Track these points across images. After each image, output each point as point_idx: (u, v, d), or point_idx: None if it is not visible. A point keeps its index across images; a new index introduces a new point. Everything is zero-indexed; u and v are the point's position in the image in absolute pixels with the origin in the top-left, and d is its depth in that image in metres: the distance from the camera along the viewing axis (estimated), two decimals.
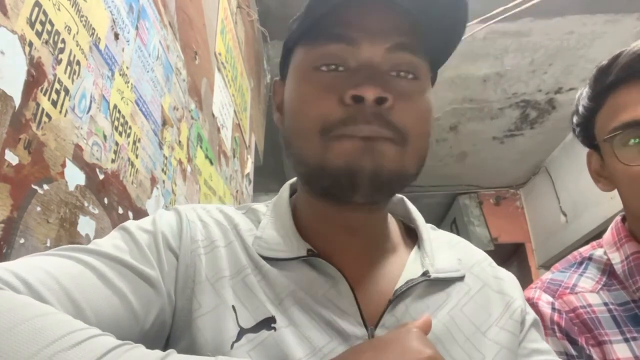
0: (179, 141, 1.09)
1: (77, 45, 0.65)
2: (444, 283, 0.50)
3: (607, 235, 0.75)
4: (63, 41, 0.61)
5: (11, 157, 0.51)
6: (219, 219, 0.51)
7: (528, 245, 4.04)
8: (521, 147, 3.53)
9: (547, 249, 3.76)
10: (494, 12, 2.00)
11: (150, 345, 0.32)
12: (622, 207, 0.71)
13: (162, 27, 0.99)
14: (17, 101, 0.52)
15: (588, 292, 0.70)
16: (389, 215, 0.56)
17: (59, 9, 0.60)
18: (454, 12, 0.47)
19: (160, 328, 0.43)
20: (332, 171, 0.44)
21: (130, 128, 0.82)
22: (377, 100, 0.43)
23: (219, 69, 1.50)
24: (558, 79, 2.77)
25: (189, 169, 1.16)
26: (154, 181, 0.93)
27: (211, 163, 1.39)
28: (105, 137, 0.73)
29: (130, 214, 0.81)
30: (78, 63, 0.65)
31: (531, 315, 0.54)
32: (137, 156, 0.84)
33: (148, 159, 0.90)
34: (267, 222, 0.51)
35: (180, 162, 1.10)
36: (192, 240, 0.48)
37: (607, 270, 0.72)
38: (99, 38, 0.71)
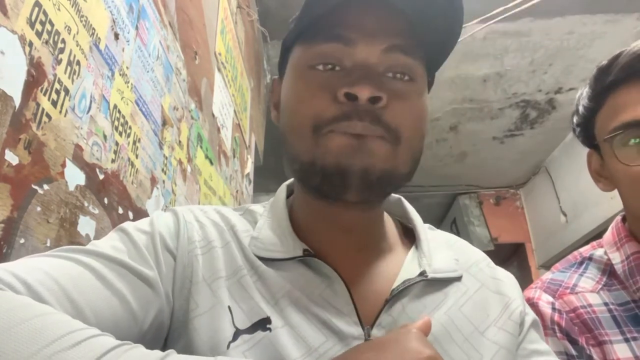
0: (179, 141, 1.09)
1: (77, 45, 0.65)
2: (442, 283, 0.50)
3: (608, 235, 0.75)
4: (63, 41, 0.61)
5: (11, 157, 0.51)
6: (216, 220, 0.52)
7: (528, 245, 4.04)
8: (521, 147, 3.53)
9: (547, 249, 3.76)
10: (494, 12, 2.01)
11: (148, 346, 0.32)
12: (622, 207, 0.71)
13: (162, 27, 0.99)
14: (17, 101, 0.52)
15: (588, 292, 0.70)
16: (387, 215, 0.56)
17: (59, 9, 0.60)
18: (450, 13, 0.47)
19: (159, 328, 0.44)
20: (322, 168, 0.44)
21: (130, 128, 0.82)
22: (370, 100, 0.43)
23: (219, 69, 1.50)
24: (558, 79, 2.77)
25: (189, 169, 1.16)
26: (154, 181, 0.93)
27: (211, 163, 1.39)
28: (105, 137, 0.73)
29: (130, 214, 0.81)
30: (78, 63, 0.65)
31: (530, 316, 0.53)
32: (137, 156, 0.84)
33: (148, 159, 0.90)
34: (264, 222, 0.52)
35: (180, 162, 1.10)
36: (189, 240, 0.48)
37: (608, 270, 0.72)
38: (99, 38, 0.71)
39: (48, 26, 0.58)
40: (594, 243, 0.78)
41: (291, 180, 0.58)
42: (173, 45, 1.06)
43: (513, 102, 2.99)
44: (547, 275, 0.76)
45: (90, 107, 0.68)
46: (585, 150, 0.77)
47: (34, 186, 0.55)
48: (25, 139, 0.53)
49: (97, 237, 0.66)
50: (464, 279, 0.52)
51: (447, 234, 0.60)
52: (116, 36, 0.77)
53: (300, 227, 0.51)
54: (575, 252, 0.79)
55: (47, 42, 0.58)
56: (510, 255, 4.33)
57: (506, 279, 0.56)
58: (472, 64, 2.63)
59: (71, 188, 0.63)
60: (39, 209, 0.56)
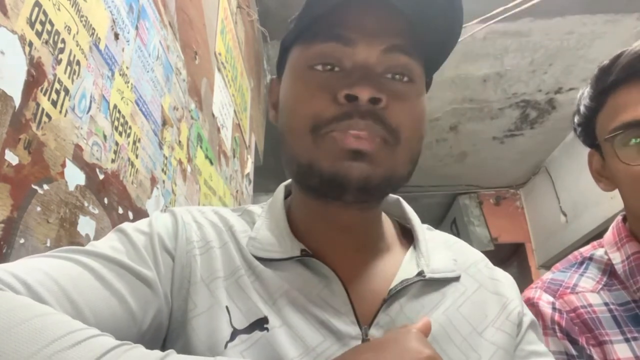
0: (179, 141, 1.09)
1: (77, 45, 0.65)
2: (440, 283, 0.50)
3: (608, 235, 0.75)
4: (63, 41, 0.61)
5: (11, 157, 0.51)
6: (214, 221, 0.52)
7: (528, 245, 4.04)
8: (521, 147, 3.53)
9: (547, 249, 3.76)
10: (494, 12, 2.01)
11: (147, 346, 0.32)
12: (622, 207, 0.71)
13: (162, 27, 0.99)
14: (17, 101, 0.52)
15: (589, 292, 0.70)
16: (385, 216, 0.56)
17: (59, 9, 0.60)
18: (449, 14, 0.47)
19: (158, 329, 0.44)
20: (320, 172, 0.44)
21: (130, 128, 0.82)
22: (371, 100, 0.43)
23: (219, 69, 1.50)
24: (558, 79, 2.77)
25: (189, 169, 1.16)
26: (154, 181, 0.93)
27: (211, 163, 1.39)
28: (105, 137, 0.73)
29: (130, 214, 0.81)
30: (78, 63, 0.65)
31: (528, 317, 0.53)
32: (137, 156, 0.84)
33: (148, 159, 0.90)
34: (262, 223, 0.52)
35: (180, 162, 1.10)
36: (187, 241, 0.48)
37: (608, 270, 0.72)
38: (99, 38, 0.71)
39: (48, 26, 0.58)
40: (595, 243, 0.78)
41: (289, 181, 0.58)
42: (173, 45, 1.06)
43: (513, 102, 2.99)
44: (548, 275, 0.76)
45: (90, 107, 0.68)
46: (585, 150, 0.78)
47: (34, 186, 0.55)
48: (25, 139, 0.53)
49: (97, 237, 0.66)
50: (462, 279, 0.52)
51: (446, 234, 0.60)
52: (116, 36, 0.77)
53: (298, 228, 0.51)
54: (576, 252, 0.79)
55: (47, 42, 0.58)
56: (510, 255, 4.33)
57: (504, 279, 0.56)
58: (472, 64, 2.63)
59: (71, 188, 0.63)
60: (39, 209, 0.56)
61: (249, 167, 2.10)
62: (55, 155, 0.59)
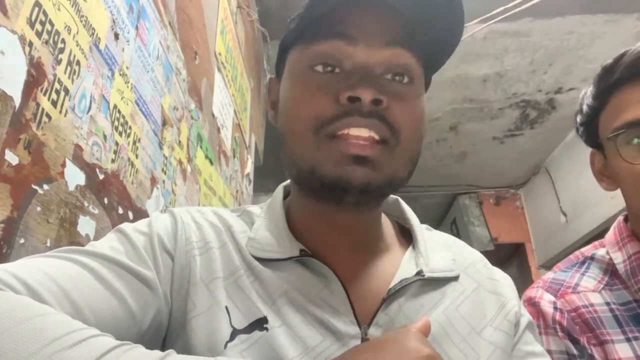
0: (179, 141, 1.09)
1: (77, 45, 0.65)
2: (439, 283, 0.50)
3: (610, 235, 0.75)
4: (63, 41, 0.61)
5: (11, 157, 0.51)
6: (213, 221, 0.52)
7: (528, 245, 4.04)
8: (521, 147, 3.53)
9: (547, 249, 3.76)
10: (494, 12, 2.01)
11: (147, 346, 0.32)
12: (622, 207, 0.71)
13: (162, 27, 0.99)
14: (17, 101, 0.52)
15: (590, 291, 0.70)
16: (384, 216, 0.56)
17: (59, 9, 0.60)
18: (450, 14, 0.47)
19: (157, 329, 0.44)
20: (322, 177, 0.44)
21: (130, 128, 0.82)
22: (373, 102, 0.44)
23: (219, 69, 1.50)
24: (558, 79, 2.77)
25: (189, 169, 1.16)
26: (154, 181, 0.93)
27: (211, 163, 1.39)
28: (105, 137, 0.73)
29: (130, 214, 0.81)
30: (78, 63, 0.65)
31: (526, 317, 0.54)
32: (137, 156, 0.84)
33: (148, 159, 0.90)
34: (261, 223, 0.52)
35: (180, 162, 1.10)
36: (187, 241, 0.48)
37: (609, 269, 0.72)
38: (99, 38, 0.71)
39: (48, 26, 0.58)
40: (596, 243, 0.78)
41: (288, 181, 0.58)
42: (173, 45, 1.06)
43: (513, 102, 2.99)
44: (549, 275, 0.76)
45: (90, 107, 0.68)
46: (585, 150, 0.78)
47: (34, 186, 0.55)
48: (25, 139, 0.53)
49: (97, 237, 0.66)
50: (461, 279, 0.52)
51: (445, 234, 0.60)
52: (116, 36, 0.77)
53: (297, 228, 0.51)
54: (577, 252, 0.79)
55: (47, 42, 0.58)
56: (510, 255, 4.33)
57: (503, 279, 0.56)
58: (472, 64, 2.63)
59: (71, 188, 0.63)
60: (39, 209, 0.56)
61: (249, 167, 2.10)
62: (55, 155, 0.59)
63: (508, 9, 1.98)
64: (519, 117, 3.16)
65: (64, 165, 0.61)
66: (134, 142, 0.83)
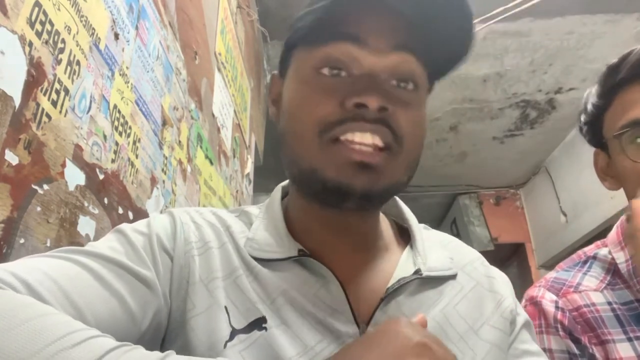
0: (179, 141, 1.09)
1: (77, 45, 0.65)
2: (437, 281, 0.50)
3: (612, 235, 0.75)
4: (63, 41, 0.61)
5: (11, 157, 0.51)
6: (212, 221, 0.52)
7: (528, 245, 4.04)
8: (521, 147, 3.53)
9: (547, 249, 3.76)
10: (494, 12, 2.01)
11: (147, 346, 0.32)
12: (622, 207, 0.71)
13: (162, 27, 0.99)
14: (17, 101, 0.52)
15: (592, 290, 0.70)
16: (382, 215, 0.56)
17: (59, 9, 0.60)
18: (457, 19, 0.46)
19: (157, 329, 0.44)
20: (323, 180, 0.44)
21: (130, 128, 0.82)
22: (379, 109, 0.44)
23: (219, 69, 1.50)
24: (558, 79, 2.77)
25: (189, 169, 1.16)
26: (154, 181, 0.93)
27: (211, 163, 1.39)
28: (105, 137, 0.73)
29: (130, 214, 0.81)
30: (78, 63, 0.65)
31: (522, 316, 0.54)
32: (137, 156, 0.84)
33: (148, 159, 0.90)
34: (259, 224, 0.52)
35: (180, 162, 1.10)
36: (185, 242, 0.48)
37: (612, 269, 0.72)
38: (99, 38, 0.71)
39: (48, 26, 0.58)
40: (599, 242, 0.78)
41: (286, 182, 0.58)
42: (173, 45, 1.06)
43: (513, 102, 2.99)
44: (551, 274, 0.77)
45: (90, 107, 0.68)
46: (585, 150, 0.78)
47: (34, 186, 0.55)
48: (25, 139, 0.53)
49: (97, 237, 0.66)
50: (458, 277, 0.53)
51: (442, 233, 0.60)
52: (116, 36, 0.77)
53: (295, 228, 0.51)
54: (580, 252, 0.79)
55: (47, 42, 0.58)
56: (510, 255, 4.33)
57: (499, 277, 0.57)
58: (472, 64, 2.63)
59: (71, 188, 0.63)
60: (39, 209, 0.56)
61: (249, 167, 2.10)
62: (55, 155, 0.59)
63: (508, 9, 1.99)
64: (519, 117, 3.16)
65: (64, 165, 0.61)
66: (134, 142, 0.83)
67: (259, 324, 0.43)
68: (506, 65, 2.65)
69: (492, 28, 2.20)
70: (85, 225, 0.66)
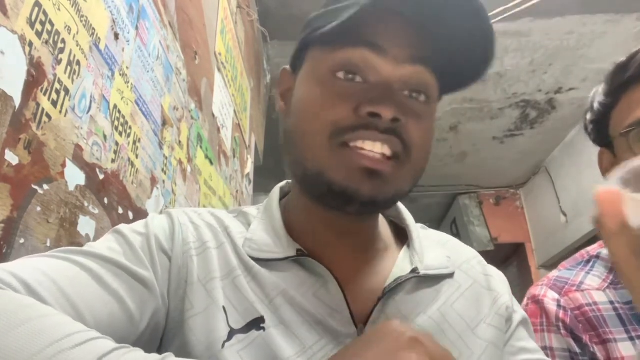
0: (179, 141, 1.09)
1: (77, 45, 0.65)
2: (434, 280, 0.51)
3: None
4: (63, 41, 0.61)
5: (11, 157, 0.51)
6: (210, 222, 0.52)
7: (528, 245, 4.04)
8: (521, 147, 3.53)
9: (547, 249, 3.76)
10: (494, 12, 2.01)
11: (145, 346, 0.32)
12: None
13: (162, 27, 0.99)
14: (17, 101, 0.52)
15: (594, 290, 0.70)
16: (380, 216, 0.56)
17: (59, 9, 0.60)
18: (481, 48, 0.46)
19: (155, 329, 0.44)
20: (330, 183, 0.44)
21: (130, 128, 0.82)
22: (392, 120, 0.44)
23: (219, 69, 1.50)
24: (558, 79, 2.77)
25: (189, 169, 1.16)
26: (154, 181, 0.93)
27: (211, 163, 1.39)
28: (105, 137, 0.73)
29: (130, 214, 0.81)
30: (78, 63, 0.65)
31: (519, 313, 0.54)
32: (137, 156, 0.84)
33: (148, 159, 0.90)
34: (258, 224, 0.52)
35: (180, 162, 1.10)
36: (184, 242, 0.48)
37: (614, 268, 0.72)
38: (99, 38, 0.71)
39: (48, 26, 0.58)
40: (602, 242, 0.79)
41: (284, 182, 0.58)
42: (173, 45, 1.06)
43: (513, 102, 2.99)
44: (554, 273, 0.77)
45: (90, 107, 0.68)
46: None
47: (34, 186, 0.55)
48: (25, 139, 0.53)
49: (97, 237, 0.66)
50: (456, 276, 0.53)
51: (440, 233, 0.61)
52: (116, 36, 0.77)
53: (294, 229, 0.51)
54: (583, 251, 0.79)
55: (47, 42, 0.58)
56: (510, 255, 4.33)
57: (496, 275, 0.57)
58: None
59: (71, 188, 0.63)
60: (39, 209, 0.56)
61: (249, 167, 2.10)
62: (55, 155, 0.59)
63: (508, 9, 1.99)
64: (519, 117, 3.16)
65: (64, 165, 0.61)
66: (134, 142, 0.83)
67: (257, 324, 0.43)
68: (506, 65, 2.65)
69: None
70: (85, 225, 0.66)
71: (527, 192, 4.15)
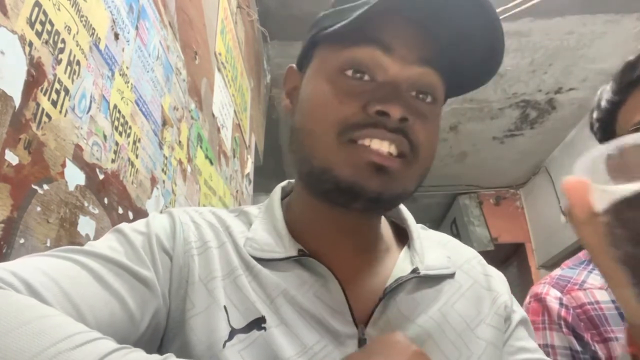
0: (179, 141, 1.09)
1: (77, 45, 0.65)
2: (435, 280, 0.51)
3: None
4: (63, 41, 0.61)
5: (11, 157, 0.51)
6: (212, 221, 0.52)
7: (528, 245, 4.04)
8: (521, 147, 3.53)
9: (547, 249, 3.76)
10: None
11: (146, 346, 0.32)
12: None
13: (162, 27, 0.99)
14: (17, 101, 0.52)
15: (597, 288, 0.71)
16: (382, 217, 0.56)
17: (59, 9, 0.60)
18: (489, 54, 0.47)
19: (156, 328, 0.44)
20: (337, 179, 0.44)
21: (130, 128, 0.82)
22: (400, 119, 0.44)
23: (219, 69, 1.50)
24: (558, 79, 2.77)
25: (189, 169, 1.16)
26: (154, 181, 0.93)
27: (211, 163, 1.39)
28: (105, 137, 0.73)
29: (130, 214, 0.81)
30: (78, 63, 0.65)
31: (519, 313, 0.54)
32: (137, 156, 0.84)
33: (148, 159, 0.90)
34: (259, 224, 0.52)
35: (180, 162, 1.10)
36: (185, 241, 0.48)
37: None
38: (99, 38, 0.71)
39: (48, 26, 0.58)
40: None
41: (286, 182, 0.58)
42: (173, 45, 1.06)
43: (513, 102, 2.99)
44: (557, 272, 0.77)
45: (90, 107, 0.68)
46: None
47: (34, 186, 0.55)
48: (25, 139, 0.53)
49: (97, 237, 0.66)
50: (456, 276, 0.53)
51: (440, 233, 0.61)
52: (116, 36, 0.77)
53: (296, 228, 0.51)
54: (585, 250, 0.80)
55: (47, 42, 0.58)
56: (510, 255, 4.33)
57: (496, 275, 0.57)
58: None
59: (71, 188, 0.63)
60: (39, 209, 0.56)
61: (249, 167, 2.10)
62: (55, 155, 0.59)
63: (508, 9, 1.99)
64: (519, 117, 3.16)
65: (64, 165, 0.61)
66: (134, 142, 0.83)
67: (258, 323, 0.43)
68: (506, 65, 2.65)
69: None
70: (85, 225, 0.66)
71: (527, 192, 4.15)
